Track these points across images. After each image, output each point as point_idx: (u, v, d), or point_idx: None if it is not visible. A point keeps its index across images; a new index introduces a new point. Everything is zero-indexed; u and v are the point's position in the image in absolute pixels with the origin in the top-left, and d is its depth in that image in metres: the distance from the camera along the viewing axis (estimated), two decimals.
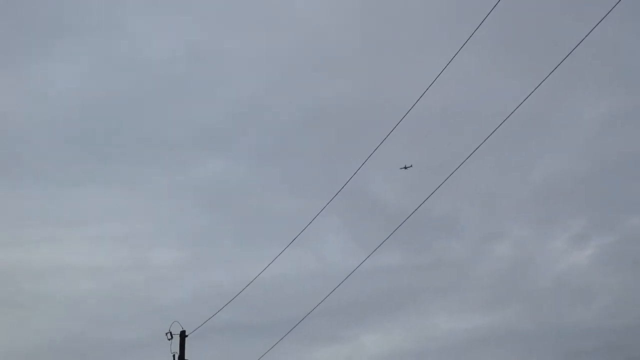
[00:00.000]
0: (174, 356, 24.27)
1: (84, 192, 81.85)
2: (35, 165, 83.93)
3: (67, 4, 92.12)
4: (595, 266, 69.26)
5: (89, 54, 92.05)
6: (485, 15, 16.46)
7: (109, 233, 78.22)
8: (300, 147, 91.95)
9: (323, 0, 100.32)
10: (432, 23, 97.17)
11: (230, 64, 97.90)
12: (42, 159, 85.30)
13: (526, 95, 18.04)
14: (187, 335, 24.83)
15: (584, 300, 64.79)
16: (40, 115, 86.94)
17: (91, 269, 73.06)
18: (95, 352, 61.98)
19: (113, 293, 69.65)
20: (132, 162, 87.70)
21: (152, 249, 77.18)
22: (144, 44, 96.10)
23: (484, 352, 60.64)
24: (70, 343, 62.86)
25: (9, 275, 70.27)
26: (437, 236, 75.34)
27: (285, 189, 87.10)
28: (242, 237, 79.67)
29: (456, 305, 67.06)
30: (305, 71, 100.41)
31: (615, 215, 72.54)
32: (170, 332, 24.51)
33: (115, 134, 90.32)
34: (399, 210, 65.34)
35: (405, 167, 69.33)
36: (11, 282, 69.65)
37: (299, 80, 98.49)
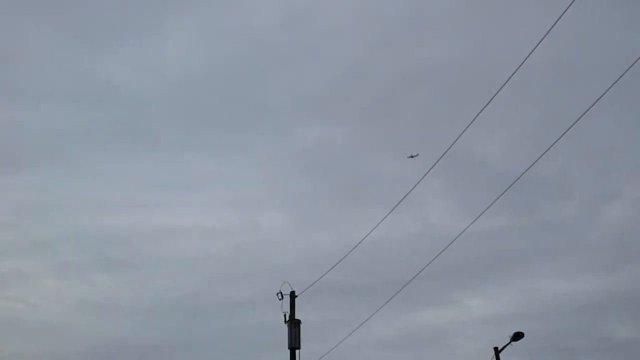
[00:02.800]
0: (285, 315, 25.11)
1: (195, 158, 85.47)
2: (149, 134, 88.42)
3: None
4: None
5: (197, 26, 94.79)
6: None
7: (220, 197, 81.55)
8: (402, 108, 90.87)
9: None
10: None
11: (331, 28, 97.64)
12: (156, 127, 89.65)
13: None
14: (296, 296, 25.57)
15: None
16: (153, 86, 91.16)
17: (203, 232, 76.69)
18: (210, 310, 65.41)
19: (224, 255, 72.93)
20: (240, 128, 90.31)
21: (261, 212, 79.79)
22: (248, 12, 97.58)
23: (596, 318, 58.38)
24: (186, 302, 66.62)
25: (128, 238, 75.20)
26: (546, 197, 72.67)
27: (388, 151, 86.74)
28: (346, 199, 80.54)
29: (566, 269, 64.73)
30: (406, 31, 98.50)
31: None
32: (281, 293, 25.31)
33: (223, 102, 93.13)
34: (505, 170, 63.43)
35: (412, 156, 66.07)
36: (130, 244, 74.54)
37: (400, 41, 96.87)
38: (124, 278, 71.78)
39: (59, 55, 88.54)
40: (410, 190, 21.92)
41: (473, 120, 19.89)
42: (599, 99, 17.87)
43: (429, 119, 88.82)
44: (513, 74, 18.44)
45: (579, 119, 18.15)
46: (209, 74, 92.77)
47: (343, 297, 52.17)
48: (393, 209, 22.88)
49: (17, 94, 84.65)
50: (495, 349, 28.42)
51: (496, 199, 19.65)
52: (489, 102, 19.26)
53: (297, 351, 24.74)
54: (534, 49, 17.75)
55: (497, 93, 18.98)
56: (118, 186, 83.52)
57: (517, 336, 27.66)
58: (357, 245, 24.39)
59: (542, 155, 18.50)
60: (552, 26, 17.15)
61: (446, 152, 21.06)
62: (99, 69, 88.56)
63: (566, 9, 16.68)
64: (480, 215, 20.46)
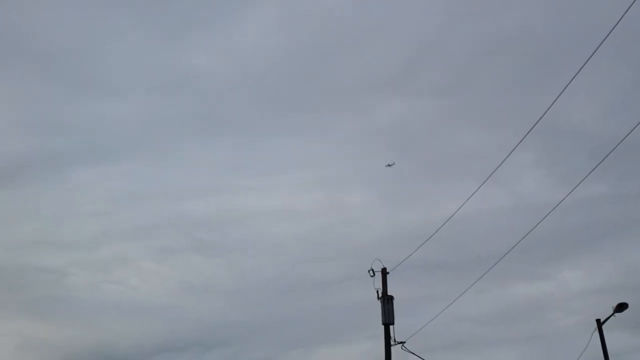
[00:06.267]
0: (377, 292, 25.28)
1: (278, 142, 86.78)
2: (233, 119, 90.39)
3: None
4: None
5: (273, 10, 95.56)
6: None
7: (304, 178, 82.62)
8: (485, 79, 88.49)
9: None
10: None
11: (404, 3, 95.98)
12: (239, 112, 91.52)
13: None
14: (388, 272, 25.66)
15: None
16: (233, 72, 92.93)
17: (290, 213, 78.06)
18: (300, 289, 66.73)
19: (312, 234, 74.03)
20: (320, 109, 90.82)
21: (345, 191, 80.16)
22: None
23: None
24: (277, 282, 68.30)
25: (218, 222, 77.65)
26: None
27: (472, 124, 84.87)
28: (430, 175, 79.60)
29: None
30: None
31: None
32: (372, 270, 25.48)
33: (303, 84, 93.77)
34: (600, 136, 60.68)
35: (389, 165, 64.83)
36: (221, 228, 76.96)
37: (477, 8, 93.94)
38: (217, 260, 74.36)
39: (142, 48, 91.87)
40: (502, 162, 21.42)
41: (566, 86, 19.10)
42: None
43: (513, 87, 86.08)
44: (608, 35, 17.55)
45: None
46: (287, 57, 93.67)
47: (433, 272, 51.91)
48: (484, 182, 22.46)
49: (106, 87, 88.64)
50: (598, 321, 27.51)
51: (595, 167, 18.87)
52: (583, 65, 18.43)
53: (391, 326, 24.90)
54: (631, 5, 16.80)
55: (591, 56, 18.13)
56: (206, 172, 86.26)
57: (621, 307, 26.63)
58: (449, 219, 24.14)
59: None
60: None
61: (538, 121, 20.39)
62: (181, 58, 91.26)
63: None
64: (579, 184, 19.74)
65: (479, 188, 23.47)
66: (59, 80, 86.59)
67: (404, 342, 24.49)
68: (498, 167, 22.35)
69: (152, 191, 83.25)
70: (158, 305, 67.61)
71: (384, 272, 25.63)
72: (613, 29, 17.36)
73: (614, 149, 18.23)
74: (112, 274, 72.67)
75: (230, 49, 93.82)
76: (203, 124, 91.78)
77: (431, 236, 24.75)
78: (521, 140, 20.27)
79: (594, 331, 27.40)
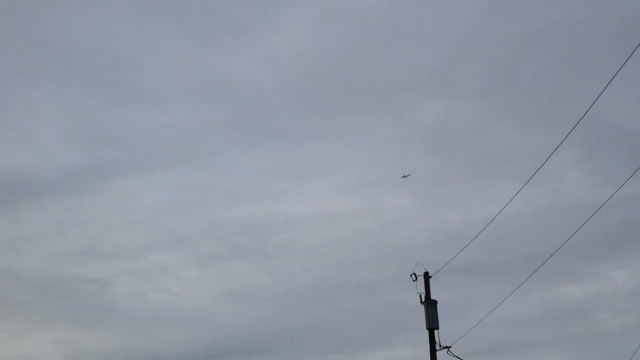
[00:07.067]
0: (420, 296, 25.13)
1: (316, 145, 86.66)
2: (271, 125, 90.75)
3: None
4: None
5: (307, 12, 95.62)
6: None
7: (343, 182, 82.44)
8: (525, 76, 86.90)
9: None
10: None
11: (441, 2, 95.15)
12: (276, 118, 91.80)
13: None
14: (430, 276, 25.49)
15: None
16: (270, 78, 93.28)
17: (329, 217, 78.05)
18: (341, 293, 66.69)
19: (353, 238, 73.83)
20: (356, 112, 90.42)
21: (385, 194, 79.68)
22: None
23: None
24: (318, 286, 68.34)
25: (257, 227, 78.05)
26: None
27: (513, 123, 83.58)
28: (471, 176, 78.73)
29: None
30: None
31: None
32: (415, 274, 25.36)
33: (339, 87, 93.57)
34: None
35: (404, 176, 64.23)
36: (260, 234, 77.33)
37: (515, 7, 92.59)
38: (258, 266, 74.73)
39: (181, 57, 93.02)
40: (545, 162, 21.14)
41: (608, 84, 18.78)
42: None
43: (552, 85, 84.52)
44: None
45: None
46: (324, 60, 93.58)
47: (475, 275, 51.26)
48: (527, 182, 22.18)
49: (147, 97, 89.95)
50: None
51: None
52: (625, 62, 18.08)
53: (435, 331, 24.73)
54: None
55: (633, 52, 17.79)
56: (244, 178, 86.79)
57: None
58: (492, 221, 23.91)
59: None
60: None
61: (580, 120, 20.09)
62: (218, 65, 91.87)
63: None
64: (627, 180, 19.36)
65: (522, 188, 23.21)
66: (102, 92, 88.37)
67: (449, 347, 24.31)
68: (542, 165, 22.07)
69: (192, 199, 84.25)
70: (202, 313, 68.33)
71: (427, 276, 25.47)
72: None
73: None
74: (156, 282, 73.72)
75: (267, 54, 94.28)
76: (240, 130, 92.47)
77: (475, 237, 24.56)
78: (565, 138, 20.01)
79: None
